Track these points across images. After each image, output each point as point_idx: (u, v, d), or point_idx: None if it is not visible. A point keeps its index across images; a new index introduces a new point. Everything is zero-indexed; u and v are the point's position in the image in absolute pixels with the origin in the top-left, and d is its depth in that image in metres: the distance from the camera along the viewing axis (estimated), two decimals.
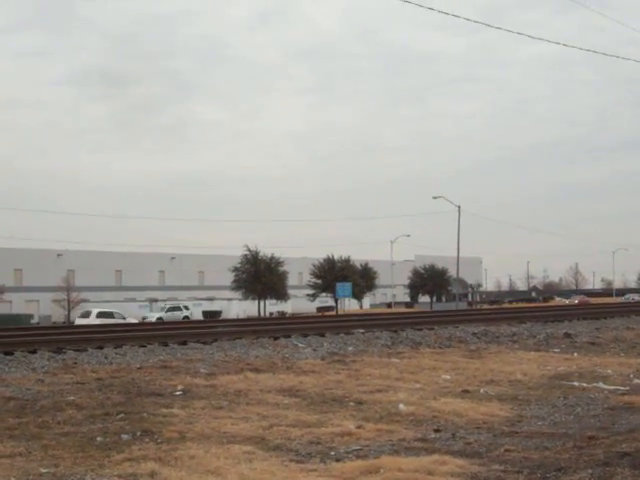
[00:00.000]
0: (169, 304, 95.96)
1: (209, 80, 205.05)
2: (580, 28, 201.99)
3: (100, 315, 68.23)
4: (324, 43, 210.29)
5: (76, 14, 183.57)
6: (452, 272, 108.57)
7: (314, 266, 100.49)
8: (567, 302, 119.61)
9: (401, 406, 13.71)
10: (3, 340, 25.21)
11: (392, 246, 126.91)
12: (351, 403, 14.22)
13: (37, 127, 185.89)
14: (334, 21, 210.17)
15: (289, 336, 28.06)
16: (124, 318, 68.55)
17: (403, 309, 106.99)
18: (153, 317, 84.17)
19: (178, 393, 15.11)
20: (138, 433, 11.13)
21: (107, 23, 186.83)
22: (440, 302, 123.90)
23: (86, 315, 70.02)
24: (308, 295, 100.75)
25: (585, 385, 17.18)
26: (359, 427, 11.81)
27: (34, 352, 22.17)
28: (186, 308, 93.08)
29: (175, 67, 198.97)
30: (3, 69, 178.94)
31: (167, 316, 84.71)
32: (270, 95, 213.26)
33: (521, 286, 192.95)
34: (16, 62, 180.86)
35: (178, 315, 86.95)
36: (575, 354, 24.44)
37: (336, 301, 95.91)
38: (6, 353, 21.61)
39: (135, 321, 65.14)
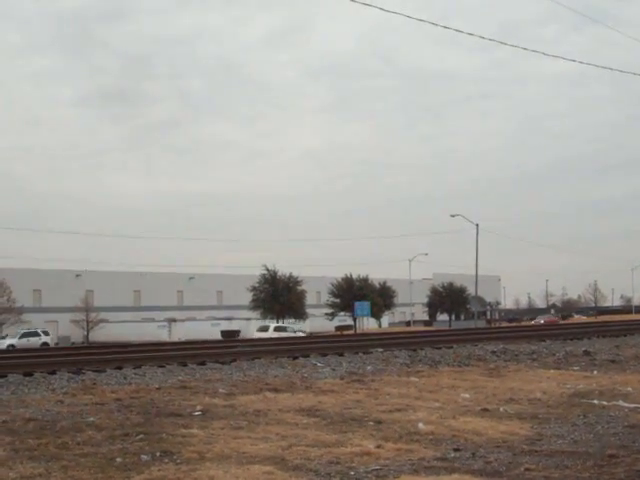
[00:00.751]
0: (23, 329, 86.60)
1: (225, 99, 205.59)
2: (596, 44, 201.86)
3: (276, 329, 76.04)
4: (340, 61, 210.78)
5: (92, 35, 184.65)
6: (471, 290, 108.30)
7: (332, 285, 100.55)
8: (533, 323, 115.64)
9: (420, 425, 13.67)
10: (23, 361, 25.31)
11: (410, 264, 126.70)
12: (370, 422, 14.18)
13: (54, 148, 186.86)
14: (350, 39, 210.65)
15: (308, 356, 28.05)
16: (295, 332, 74.84)
17: (422, 328, 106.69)
18: (3, 344, 75.48)
19: (197, 413, 15.11)
20: (157, 454, 11.13)
21: (123, 44, 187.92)
22: (459, 320, 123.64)
23: (265, 329, 76.75)
24: (326, 314, 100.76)
25: (605, 403, 17.09)
26: (378, 447, 11.77)
27: (53, 373, 22.26)
28: (45, 333, 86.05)
29: (190, 87, 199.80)
30: (21, 90, 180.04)
31: (21, 343, 77.63)
32: (286, 114, 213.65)
33: (540, 304, 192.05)
34: (33, 83, 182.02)
35: (35, 341, 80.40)
36: (595, 372, 24.32)
37: (354, 320, 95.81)
38: (26, 374, 21.69)
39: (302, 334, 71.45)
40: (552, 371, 24.52)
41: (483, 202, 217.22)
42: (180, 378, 21.75)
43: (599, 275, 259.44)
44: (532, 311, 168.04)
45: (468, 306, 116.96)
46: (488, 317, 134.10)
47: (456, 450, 11.71)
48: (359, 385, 20.22)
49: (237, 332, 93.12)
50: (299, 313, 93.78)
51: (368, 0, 20.79)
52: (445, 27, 24.61)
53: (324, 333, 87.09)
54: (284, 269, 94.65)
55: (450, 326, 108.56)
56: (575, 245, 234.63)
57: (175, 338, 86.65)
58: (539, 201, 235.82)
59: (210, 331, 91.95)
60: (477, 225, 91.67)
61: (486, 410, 15.84)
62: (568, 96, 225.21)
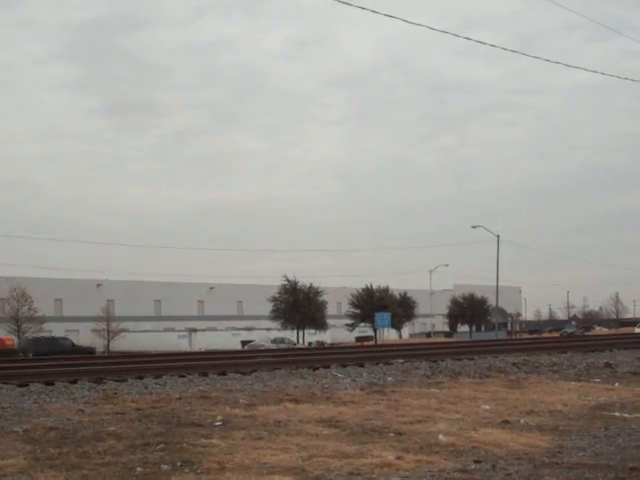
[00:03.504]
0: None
1: (245, 110, 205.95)
2: (618, 54, 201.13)
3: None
4: (359, 72, 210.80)
5: (112, 45, 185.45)
6: (491, 301, 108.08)
7: (353, 296, 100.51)
8: (559, 334, 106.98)
9: (441, 437, 13.65)
10: (44, 370, 25.41)
11: (431, 275, 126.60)
12: (391, 434, 14.16)
13: (75, 157, 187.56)
14: (370, 49, 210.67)
15: (328, 366, 28.03)
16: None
17: (442, 339, 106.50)
18: None
19: (218, 423, 15.13)
20: (178, 463, 11.15)
21: (143, 54, 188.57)
22: (479, 331, 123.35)
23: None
24: (347, 325, 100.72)
25: (627, 416, 17.00)
26: (399, 458, 11.76)
27: (75, 382, 22.32)
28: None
29: (211, 97, 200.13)
30: (41, 100, 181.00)
31: None
32: (306, 124, 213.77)
33: (561, 315, 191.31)
34: (54, 93, 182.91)
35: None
36: (616, 384, 24.21)
37: (375, 331, 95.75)
38: (47, 383, 21.78)
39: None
40: (573, 383, 24.42)
41: (504, 213, 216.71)
42: (201, 388, 21.78)
43: (621, 287, 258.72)
44: (553, 322, 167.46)
45: (489, 317, 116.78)
46: (509, 328, 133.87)
47: (476, 462, 11.68)
48: (380, 396, 20.20)
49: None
50: (319, 324, 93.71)
51: (390, 11, 20.85)
52: (467, 38, 24.66)
53: (344, 344, 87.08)
54: (305, 279, 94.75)
55: (470, 337, 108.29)
56: (597, 256, 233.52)
57: (196, 348, 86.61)
58: (560, 212, 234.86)
59: (230, 341, 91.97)
60: (498, 236, 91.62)
61: (507, 422, 15.79)
62: (589, 106, 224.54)
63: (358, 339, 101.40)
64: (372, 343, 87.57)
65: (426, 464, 11.43)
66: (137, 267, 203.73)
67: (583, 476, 10.74)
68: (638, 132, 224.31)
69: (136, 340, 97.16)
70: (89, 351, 75.20)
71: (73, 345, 79.22)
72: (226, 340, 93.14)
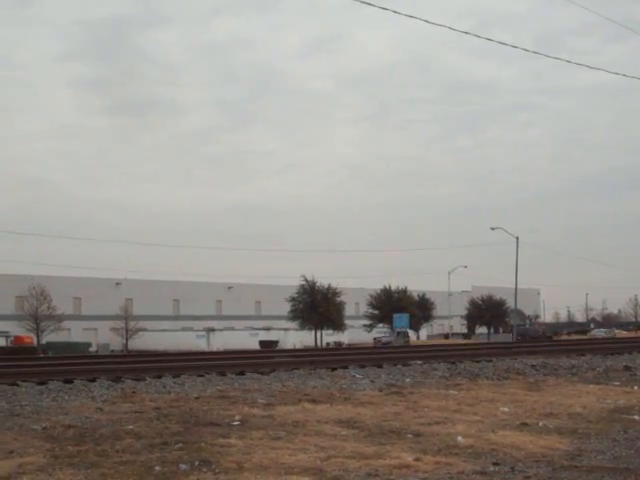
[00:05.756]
0: None
1: (262, 109, 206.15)
2: (638, 54, 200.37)
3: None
4: (378, 71, 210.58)
5: (129, 43, 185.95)
6: (510, 303, 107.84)
7: (371, 297, 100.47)
8: (588, 335, 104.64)
9: (459, 438, 13.61)
10: (63, 368, 25.47)
11: (449, 277, 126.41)
12: (409, 435, 14.13)
13: (93, 155, 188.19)
14: (388, 49, 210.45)
15: (346, 367, 28.00)
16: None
17: (460, 340, 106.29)
18: None
19: (236, 423, 15.13)
20: (196, 463, 11.15)
21: (159, 52, 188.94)
22: (497, 333, 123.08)
23: None
24: (365, 326, 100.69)
25: None
26: (417, 459, 11.73)
27: (93, 381, 22.39)
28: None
29: (227, 95, 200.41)
30: (58, 98, 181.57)
31: None
32: (324, 123, 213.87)
33: (580, 318, 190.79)
34: (71, 90, 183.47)
35: None
36: (635, 387, 24.10)
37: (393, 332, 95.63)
38: (66, 381, 21.86)
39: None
40: (592, 386, 24.33)
41: (524, 214, 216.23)
42: (219, 388, 21.80)
43: None
44: (571, 325, 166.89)
45: (507, 319, 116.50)
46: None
47: (495, 464, 11.64)
48: (398, 397, 20.17)
49: (275, 342, 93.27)
50: (337, 324, 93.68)
51: (408, 11, 20.83)
52: (489, 39, 24.57)
53: (362, 344, 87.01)
54: (323, 280, 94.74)
55: (489, 339, 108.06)
56: (616, 259, 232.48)
57: (214, 348, 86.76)
58: (580, 214, 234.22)
59: (248, 341, 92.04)
60: (517, 238, 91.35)
61: (525, 424, 15.74)
62: (608, 107, 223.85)
63: (376, 340, 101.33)
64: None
65: (445, 466, 11.40)
66: (155, 266, 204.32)
67: (602, 479, 10.70)
68: None
69: (154, 339, 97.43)
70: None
71: None
72: (244, 340, 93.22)
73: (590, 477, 10.82)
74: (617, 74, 29.40)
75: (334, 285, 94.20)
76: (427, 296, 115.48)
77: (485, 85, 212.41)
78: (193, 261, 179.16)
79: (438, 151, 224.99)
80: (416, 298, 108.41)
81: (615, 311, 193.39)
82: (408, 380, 24.90)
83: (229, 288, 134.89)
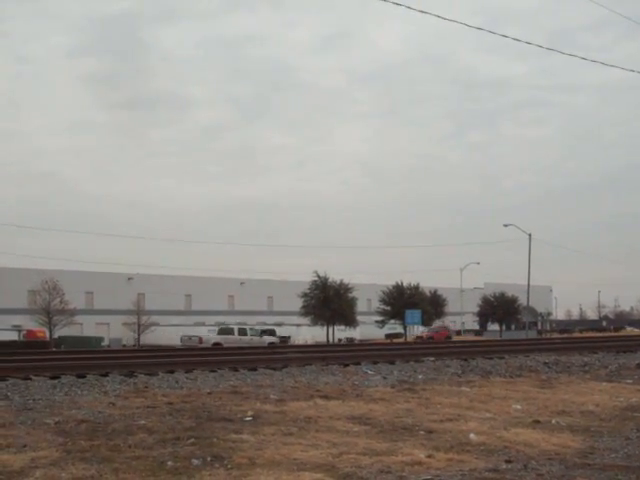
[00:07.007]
0: None
1: (273, 105, 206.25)
2: None
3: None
4: (389, 67, 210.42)
5: (140, 38, 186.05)
6: (522, 300, 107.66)
7: (383, 293, 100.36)
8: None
9: (472, 435, 13.58)
10: (76, 363, 25.53)
11: (462, 273, 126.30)
12: (421, 432, 14.11)
13: (104, 150, 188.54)
14: (400, 44, 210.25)
15: (359, 363, 27.98)
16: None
17: (472, 337, 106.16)
18: None
19: (248, 419, 15.13)
20: (208, 458, 11.15)
21: (170, 47, 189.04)
22: (509, 330, 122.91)
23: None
24: (377, 322, 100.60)
25: None
26: (429, 456, 11.71)
27: (106, 375, 22.42)
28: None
29: (239, 91, 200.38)
30: (69, 93, 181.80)
31: None
32: (335, 119, 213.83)
33: (592, 315, 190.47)
34: (81, 86, 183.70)
35: None
36: None
37: (405, 328, 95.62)
38: (79, 376, 21.89)
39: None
40: (604, 384, 24.26)
41: (536, 211, 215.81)
42: (231, 383, 21.82)
43: None
44: (583, 322, 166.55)
45: (519, 316, 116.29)
46: (539, 327, 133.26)
47: (508, 462, 11.61)
48: (410, 394, 20.15)
49: (287, 338, 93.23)
50: (349, 320, 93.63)
51: (420, 6, 20.78)
52: (504, 35, 24.55)
53: (374, 341, 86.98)
54: (335, 276, 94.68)
55: (501, 336, 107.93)
56: (628, 256, 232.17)
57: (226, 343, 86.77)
58: (592, 211, 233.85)
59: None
60: (530, 235, 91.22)
61: (538, 422, 15.70)
62: (621, 104, 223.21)
63: (388, 336, 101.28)
64: (402, 340, 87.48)
65: (457, 463, 11.37)
66: (168, 261, 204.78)
67: (615, 478, 10.66)
68: None
69: (166, 334, 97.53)
70: None
71: None
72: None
73: (603, 475, 10.79)
74: (632, 71, 29.28)
75: (346, 281, 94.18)
76: (439, 292, 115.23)
77: (497, 82, 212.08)
78: (205, 256, 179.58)
79: (450, 146, 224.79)
80: (428, 294, 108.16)
81: (627, 309, 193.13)
82: (420, 377, 24.88)
83: (241, 283, 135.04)
